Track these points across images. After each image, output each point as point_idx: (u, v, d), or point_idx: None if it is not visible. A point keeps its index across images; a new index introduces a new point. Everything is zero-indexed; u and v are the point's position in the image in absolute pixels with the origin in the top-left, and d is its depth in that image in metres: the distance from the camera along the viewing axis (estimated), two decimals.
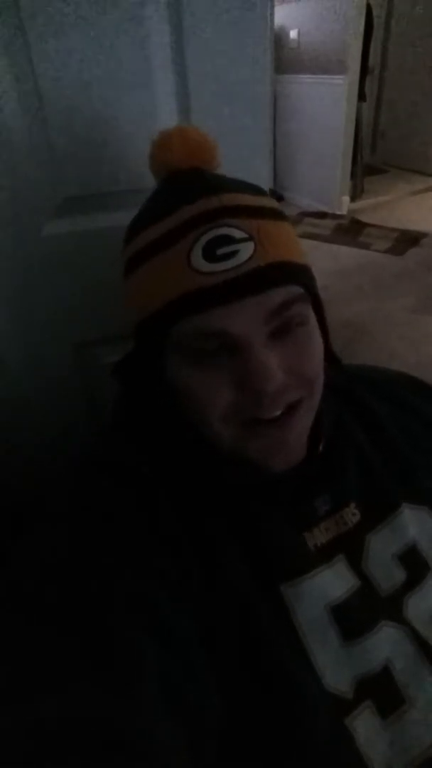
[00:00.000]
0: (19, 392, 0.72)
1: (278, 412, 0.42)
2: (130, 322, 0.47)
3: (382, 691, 0.41)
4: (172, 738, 0.30)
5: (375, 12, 3.60)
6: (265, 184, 0.71)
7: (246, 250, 0.39)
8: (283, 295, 0.40)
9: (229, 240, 0.39)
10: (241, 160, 0.67)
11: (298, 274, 0.42)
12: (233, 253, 0.38)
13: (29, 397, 0.73)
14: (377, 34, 4.10)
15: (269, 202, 0.44)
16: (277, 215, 0.44)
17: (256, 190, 0.45)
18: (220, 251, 0.38)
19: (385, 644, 0.42)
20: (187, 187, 0.43)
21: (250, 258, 0.39)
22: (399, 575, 0.47)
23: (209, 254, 0.39)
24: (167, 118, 0.62)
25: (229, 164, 0.66)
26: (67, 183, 0.61)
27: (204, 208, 0.40)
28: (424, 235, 3.29)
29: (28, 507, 0.45)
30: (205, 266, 0.38)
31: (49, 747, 0.27)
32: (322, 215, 3.80)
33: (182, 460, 0.46)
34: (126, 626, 0.34)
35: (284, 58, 3.79)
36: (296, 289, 0.41)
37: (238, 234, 0.39)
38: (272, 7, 3.49)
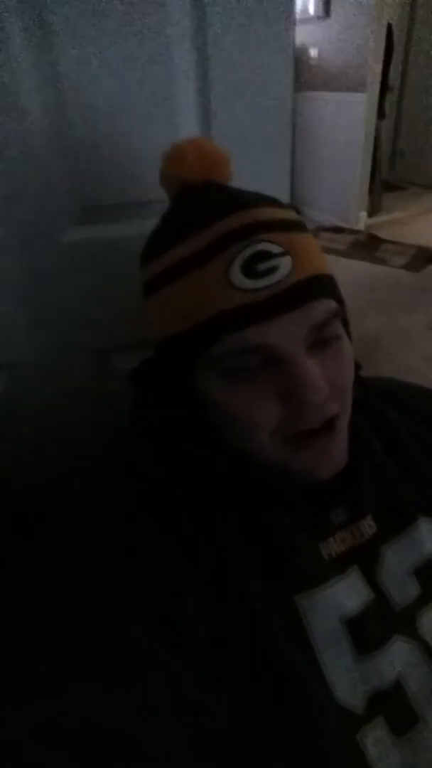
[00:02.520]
0: (35, 397, 0.73)
1: (319, 424, 0.42)
2: (152, 339, 0.46)
3: (395, 708, 0.40)
4: (177, 743, 0.30)
5: (395, 31, 3.64)
6: (285, 197, 0.72)
7: (285, 265, 0.39)
8: (323, 311, 0.40)
9: (268, 255, 0.38)
10: (262, 172, 0.67)
11: (331, 287, 0.42)
12: (273, 269, 0.38)
13: (46, 401, 0.74)
14: (397, 53, 4.14)
15: (294, 215, 0.44)
16: (303, 228, 0.44)
17: (279, 204, 0.45)
18: (261, 267, 0.38)
19: (397, 659, 0.42)
20: (214, 202, 0.42)
21: (290, 273, 0.39)
22: (413, 589, 0.46)
23: (249, 271, 0.38)
24: (189, 131, 0.63)
25: (250, 176, 0.67)
26: (88, 192, 0.62)
27: (239, 223, 0.40)
28: None
29: (40, 509, 0.45)
30: (246, 283, 0.38)
31: (53, 750, 0.27)
32: (339, 230, 3.81)
33: (200, 466, 0.46)
34: (135, 629, 0.33)
35: (304, 75, 3.84)
36: (332, 304, 0.41)
37: (275, 249, 0.39)
38: (293, 22, 3.53)
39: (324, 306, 0.40)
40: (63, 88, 0.56)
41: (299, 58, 3.81)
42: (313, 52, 3.69)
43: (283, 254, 0.39)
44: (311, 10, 3.55)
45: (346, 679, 0.40)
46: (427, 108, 4.52)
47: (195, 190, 0.45)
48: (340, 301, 0.44)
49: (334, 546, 0.46)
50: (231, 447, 0.45)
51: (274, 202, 0.44)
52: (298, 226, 0.43)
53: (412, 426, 0.56)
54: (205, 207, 0.42)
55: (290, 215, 0.43)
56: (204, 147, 0.47)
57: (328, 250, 3.47)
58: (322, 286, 0.41)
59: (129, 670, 0.31)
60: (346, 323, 0.47)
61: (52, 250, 0.63)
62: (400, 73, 4.58)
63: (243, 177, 0.67)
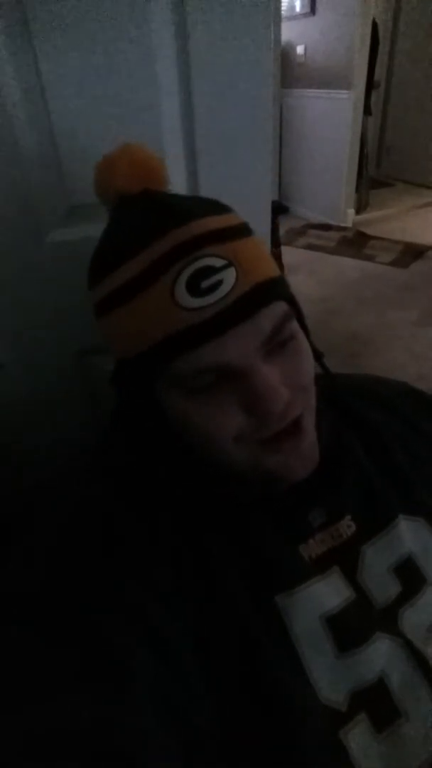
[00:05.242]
0: (19, 398, 0.73)
1: (284, 426, 0.42)
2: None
3: (377, 704, 0.40)
4: (164, 749, 0.30)
5: (380, 28, 3.65)
6: (268, 193, 0.72)
7: (229, 277, 0.38)
8: (273, 317, 0.39)
9: (211, 270, 0.37)
10: (243, 168, 0.68)
11: (280, 289, 0.41)
12: (218, 284, 0.37)
13: (30, 402, 0.73)
14: (383, 50, 4.15)
15: (235, 219, 0.43)
16: (245, 231, 0.42)
17: (220, 208, 0.43)
18: (205, 284, 0.37)
19: (380, 656, 0.42)
20: (150, 219, 0.40)
21: (234, 285, 0.38)
22: (394, 587, 0.46)
23: (194, 289, 0.37)
24: (171, 130, 0.63)
25: (231, 173, 0.67)
26: (73, 191, 0.62)
27: (177, 241, 0.38)
28: (428, 248, 3.31)
29: (28, 509, 0.45)
30: (192, 302, 0.37)
31: (39, 757, 0.27)
32: (327, 227, 3.83)
33: (178, 474, 0.46)
34: (122, 638, 0.34)
35: (291, 72, 3.84)
36: (282, 306, 0.41)
37: (218, 262, 0.38)
38: (278, 19, 3.56)
39: (273, 311, 0.40)
40: (47, 91, 0.56)
41: (286, 55, 3.80)
42: (300, 49, 3.69)
43: (226, 267, 0.38)
44: (297, 7, 3.54)
45: (329, 677, 0.40)
46: (412, 104, 4.54)
47: (132, 204, 0.43)
48: (291, 300, 0.43)
49: (314, 547, 0.46)
50: (200, 455, 0.45)
51: (213, 209, 0.42)
52: (240, 232, 0.41)
53: (394, 426, 0.56)
54: (141, 226, 0.40)
55: (231, 221, 0.42)
56: (136, 155, 0.45)
57: (316, 247, 3.48)
58: (269, 291, 0.40)
59: (118, 680, 0.31)
60: (300, 318, 0.46)
61: (37, 249, 0.63)
62: (385, 70, 4.60)
63: (226, 175, 0.67)
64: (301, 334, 0.44)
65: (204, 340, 0.37)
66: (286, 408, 0.40)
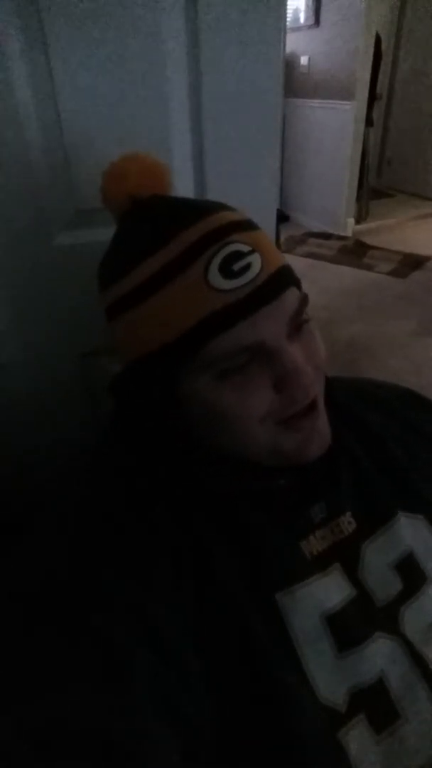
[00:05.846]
0: (20, 398, 0.73)
1: (306, 404, 0.44)
2: (126, 358, 0.46)
3: (376, 705, 0.40)
4: (164, 747, 0.30)
5: (383, 41, 3.69)
6: (273, 202, 0.73)
7: (256, 261, 0.41)
8: (294, 299, 0.43)
9: (240, 255, 0.40)
10: (250, 176, 0.68)
11: (293, 276, 0.45)
12: (247, 266, 0.40)
13: (30, 402, 0.74)
14: (385, 62, 4.20)
15: (244, 215, 0.46)
16: (257, 226, 0.46)
17: (230, 207, 0.46)
18: (236, 266, 0.40)
19: (379, 656, 0.42)
20: (173, 214, 0.43)
21: (261, 268, 0.41)
22: (395, 585, 0.47)
23: (227, 271, 0.40)
24: (180, 137, 0.64)
25: (238, 181, 0.68)
26: (81, 195, 0.63)
27: (207, 229, 0.41)
28: (427, 258, 3.32)
29: (29, 509, 0.45)
30: (226, 284, 0.39)
31: (42, 751, 0.27)
32: (327, 236, 3.85)
33: (178, 473, 0.46)
34: (122, 638, 0.34)
35: (294, 82, 3.87)
36: (297, 291, 0.44)
37: (244, 248, 0.41)
38: (284, 30, 3.60)
39: (294, 294, 0.43)
40: (58, 95, 0.57)
41: (289, 65, 3.84)
42: (304, 60, 3.72)
43: (251, 252, 0.41)
44: (302, 19, 3.58)
45: (328, 677, 0.40)
46: (414, 116, 4.58)
47: (145, 207, 0.45)
48: (300, 287, 0.46)
49: (315, 544, 0.46)
50: (212, 450, 0.45)
51: (225, 206, 0.45)
52: (253, 225, 0.45)
53: (392, 426, 0.57)
54: (165, 220, 0.43)
55: (243, 216, 0.45)
56: (146, 161, 0.47)
57: (316, 256, 3.50)
58: (288, 276, 0.44)
59: (120, 679, 0.32)
60: None
61: (44, 252, 0.64)
62: (387, 82, 4.64)
63: (233, 182, 0.68)
64: (312, 320, 0.47)
65: (240, 319, 0.40)
66: (309, 385, 0.43)
